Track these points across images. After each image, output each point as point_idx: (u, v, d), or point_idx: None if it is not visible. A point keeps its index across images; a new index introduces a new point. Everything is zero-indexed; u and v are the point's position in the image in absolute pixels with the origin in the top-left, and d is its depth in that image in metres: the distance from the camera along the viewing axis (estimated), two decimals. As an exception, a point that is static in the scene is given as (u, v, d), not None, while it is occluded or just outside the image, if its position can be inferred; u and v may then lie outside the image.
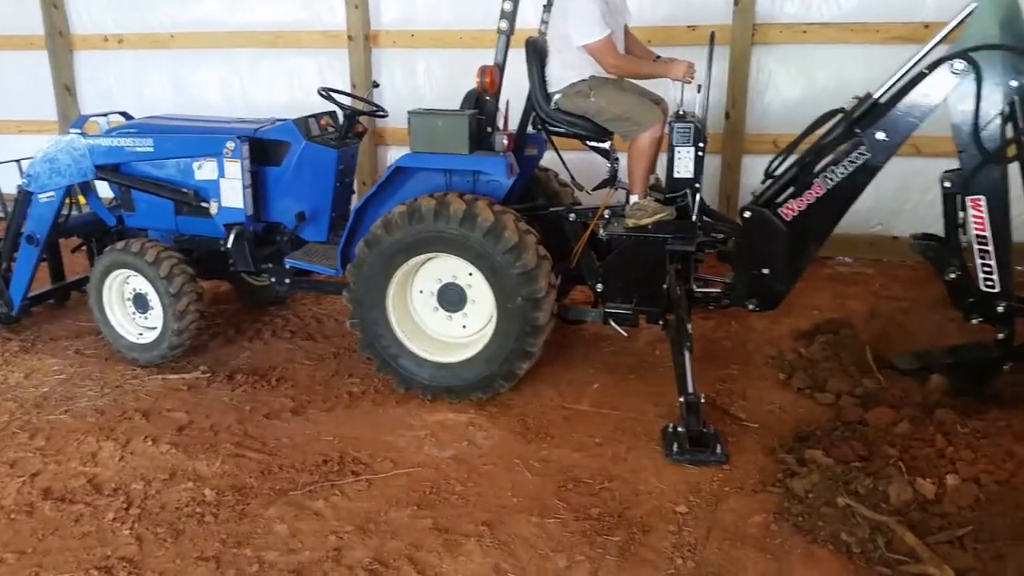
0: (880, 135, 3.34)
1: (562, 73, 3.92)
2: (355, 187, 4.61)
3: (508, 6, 3.75)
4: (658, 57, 4.02)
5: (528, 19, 4.13)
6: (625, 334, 4.04)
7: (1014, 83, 3.12)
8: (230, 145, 4.06)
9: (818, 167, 3.50)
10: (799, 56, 5.45)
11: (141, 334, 4.32)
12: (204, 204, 4.20)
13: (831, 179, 3.47)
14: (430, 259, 3.78)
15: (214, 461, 3.35)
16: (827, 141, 3.51)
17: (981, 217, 3.24)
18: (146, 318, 4.30)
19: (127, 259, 4.18)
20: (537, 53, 3.97)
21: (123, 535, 2.89)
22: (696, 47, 4.34)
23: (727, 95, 5.56)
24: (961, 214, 3.32)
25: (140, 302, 4.29)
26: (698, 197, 3.69)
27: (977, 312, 3.41)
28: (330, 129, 4.35)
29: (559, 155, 4.28)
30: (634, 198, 3.83)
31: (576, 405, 3.78)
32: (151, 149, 4.31)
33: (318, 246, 4.28)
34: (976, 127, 3.19)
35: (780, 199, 3.59)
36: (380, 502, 3.04)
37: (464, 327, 3.87)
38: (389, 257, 3.70)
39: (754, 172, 5.77)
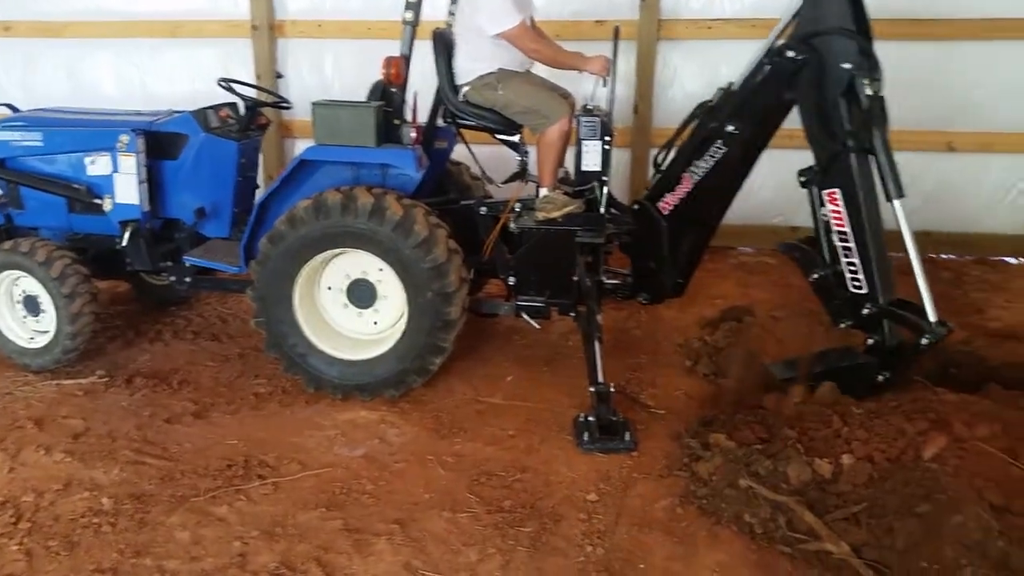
0: (730, 127, 3.39)
1: (470, 65, 3.90)
2: (261, 181, 4.49)
3: (413, -4, 3.72)
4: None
5: (437, 10, 4.09)
6: (538, 326, 4.07)
7: (846, 65, 3.04)
8: (124, 138, 3.88)
9: (682, 160, 3.59)
10: (703, 52, 5.57)
11: (32, 338, 4.09)
12: (97, 201, 4.00)
13: (696, 173, 3.54)
14: (338, 255, 3.70)
15: (112, 469, 3.21)
16: (691, 135, 3.58)
17: (838, 211, 3.08)
18: (38, 321, 4.08)
19: (16, 260, 3.96)
20: (444, 45, 3.94)
21: (11, 551, 2.74)
22: (604, 42, 4.35)
23: (635, 90, 5.65)
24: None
25: (31, 304, 4.06)
26: (605, 190, 3.73)
27: (845, 316, 3.21)
28: (231, 121, 4.21)
29: (469, 149, 4.27)
30: (544, 191, 3.85)
31: (490, 399, 3.78)
32: (40, 143, 4.09)
33: (220, 243, 4.15)
34: (820, 116, 3.13)
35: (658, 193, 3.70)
36: (287, 505, 2.96)
37: (375, 323, 3.82)
38: (294, 253, 3.61)
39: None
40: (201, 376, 4.01)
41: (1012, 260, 5.48)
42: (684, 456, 3.16)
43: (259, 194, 4.23)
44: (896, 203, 2.95)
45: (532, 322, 3.97)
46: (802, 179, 3.24)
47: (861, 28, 3.08)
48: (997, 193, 5.47)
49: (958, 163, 5.44)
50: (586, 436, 3.32)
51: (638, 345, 4.31)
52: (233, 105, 4.28)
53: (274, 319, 3.71)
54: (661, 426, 3.47)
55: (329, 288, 3.80)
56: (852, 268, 3.09)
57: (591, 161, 3.74)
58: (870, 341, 3.17)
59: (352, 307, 3.80)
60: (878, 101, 2.99)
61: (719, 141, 3.45)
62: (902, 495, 2.71)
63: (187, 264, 4.12)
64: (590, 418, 3.40)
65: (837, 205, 3.08)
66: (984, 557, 2.43)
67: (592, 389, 3.47)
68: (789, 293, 4.79)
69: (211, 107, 4.17)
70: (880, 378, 3.13)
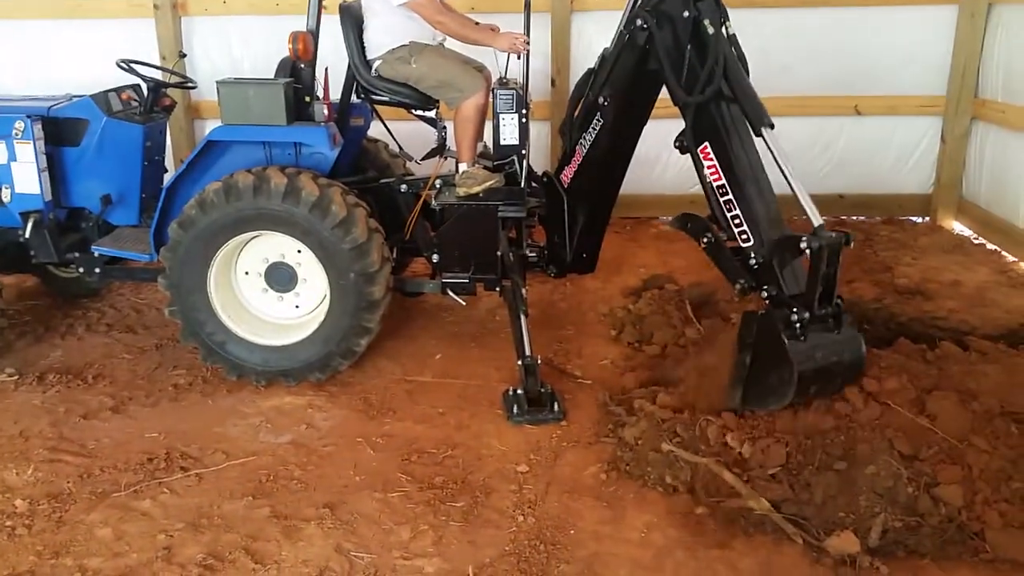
0: (602, 99, 3.43)
1: (381, 39, 3.82)
2: (172, 165, 4.33)
3: (318, -31, 3.62)
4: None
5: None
6: (464, 303, 4.06)
7: (687, 13, 3.01)
8: (19, 125, 3.68)
9: (576, 133, 3.61)
10: (617, 22, 5.57)
11: (-69, 339, 3.88)
12: (-6, 191, 3.80)
13: (584, 145, 3.57)
14: (254, 238, 3.61)
15: (25, 469, 3.07)
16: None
17: (712, 164, 2.96)
18: (-64, 321, 3.87)
19: (-91, 257, 3.74)
20: (353, 18, 3.86)
21: (-85, 563, 2.60)
22: (521, 14, 4.37)
23: (552, 62, 5.65)
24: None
25: (-74, 303, 3.85)
26: (525, 163, 3.73)
27: (739, 275, 2.98)
28: (134, 104, 4.04)
29: (385, 125, 4.21)
30: (463, 166, 3.82)
31: (419, 377, 3.77)
32: (-74, 133, 3.84)
33: (129, 230, 3.99)
34: (675, 74, 3.07)
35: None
36: (212, 496, 2.90)
37: (297, 307, 3.74)
38: (207, 238, 3.50)
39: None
40: (117, 369, 3.87)
41: (917, 219, 5.73)
42: (610, 423, 3.22)
43: (168, 178, 4.08)
44: (765, 133, 2.90)
45: (458, 299, 3.96)
46: (677, 144, 3.16)
47: None
48: (902, 155, 5.70)
49: (865, 127, 5.63)
50: (515, 409, 3.34)
51: (564, 317, 4.35)
52: (136, 87, 4.11)
53: (189, 307, 3.59)
54: (588, 395, 3.52)
55: (247, 273, 3.71)
56: (737, 220, 2.92)
57: (509, 135, 3.72)
58: (765, 295, 2.92)
59: (272, 291, 3.72)
60: (725, 40, 2.95)
61: (598, 113, 3.46)
62: (820, 450, 2.81)
63: (96, 254, 3.96)
64: (519, 391, 3.42)
65: (711, 159, 2.97)
66: (894, 503, 2.56)
67: (520, 363, 3.49)
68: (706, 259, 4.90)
69: (112, 90, 3.99)
70: (796, 318, 2.75)
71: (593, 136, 3.54)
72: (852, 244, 2.77)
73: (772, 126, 2.92)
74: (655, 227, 5.73)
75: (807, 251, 2.73)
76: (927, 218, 5.74)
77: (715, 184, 2.96)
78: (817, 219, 2.79)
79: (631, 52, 3.31)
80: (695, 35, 3.01)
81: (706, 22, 2.96)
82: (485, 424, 3.35)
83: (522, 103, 3.66)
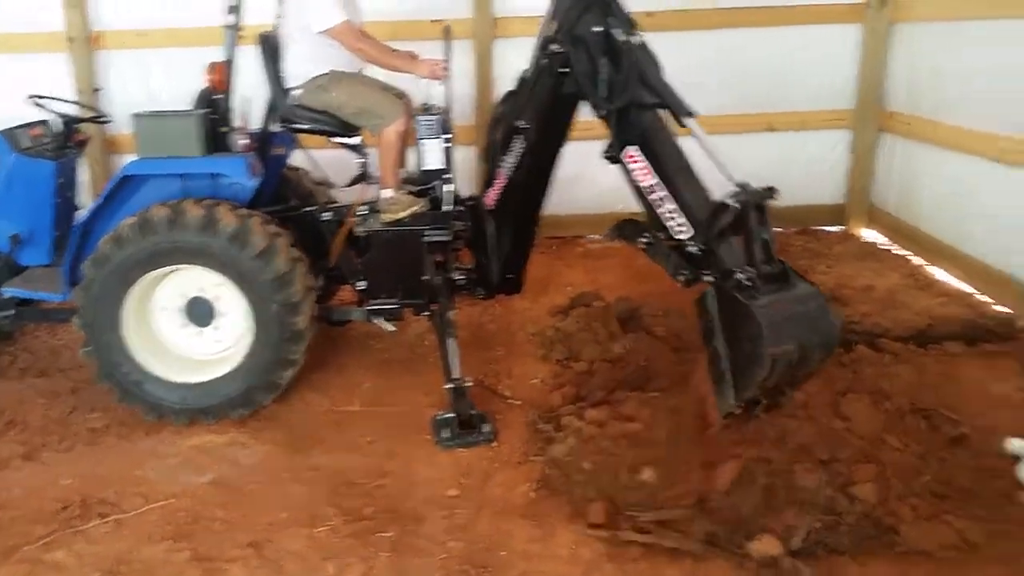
0: (522, 123, 3.43)
1: (301, 67, 3.81)
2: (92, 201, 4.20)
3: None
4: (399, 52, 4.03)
5: (264, 14, 3.96)
6: (392, 329, 4.03)
7: (597, 28, 3.02)
8: (-80, 164, 3.54)
9: (498, 156, 3.60)
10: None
11: None
12: None
13: (506, 167, 3.56)
14: (171, 272, 3.53)
15: (-71, 527, 2.92)
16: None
17: (642, 166, 2.95)
18: None
19: None
20: (271, 48, 3.83)
21: None
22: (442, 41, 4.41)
23: (476, 87, 5.71)
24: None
25: None
26: (449, 187, 3.75)
27: (682, 267, 2.92)
28: (45, 140, 3.93)
29: (307, 153, 4.18)
30: (387, 192, 3.81)
31: (347, 407, 3.72)
32: None
33: (41, 270, 3.87)
34: (595, 89, 3.05)
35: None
36: (131, 542, 2.79)
37: (218, 342, 3.66)
38: (121, 275, 3.41)
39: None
40: (30, 415, 3.70)
41: (830, 228, 5.94)
42: (540, 441, 3.23)
43: (82, 214, 3.97)
44: (690, 122, 2.93)
45: (386, 325, 3.94)
46: (607, 156, 3.11)
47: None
48: (815, 167, 5.89)
49: (779, 142, 5.83)
50: (445, 433, 3.33)
51: (494, 338, 4.36)
52: (45, 123, 3.99)
53: (104, 347, 3.48)
54: (518, 414, 3.52)
55: (164, 309, 3.61)
56: (671, 215, 2.90)
57: (432, 160, 3.74)
58: (709, 278, 2.81)
59: (191, 326, 3.63)
60: (637, 48, 2.99)
61: (518, 136, 3.48)
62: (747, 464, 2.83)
63: (6, 296, 3.81)
64: (449, 415, 3.41)
65: (638, 161, 2.95)
66: (814, 505, 2.62)
67: (449, 386, 3.48)
68: (634, 274, 4.99)
69: (21, 126, 3.87)
70: (744, 277, 2.64)
71: (515, 158, 3.56)
72: (776, 197, 2.74)
73: (692, 114, 2.95)
74: (582, 246, 5.80)
75: (735, 210, 2.70)
76: (841, 227, 5.95)
77: (646, 185, 2.96)
78: (735, 177, 2.78)
79: (548, 76, 3.33)
80: (608, 47, 3.03)
81: (616, 32, 3.00)
82: (415, 451, 3.32)
83: (445, 128, 3.69)
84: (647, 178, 2.94)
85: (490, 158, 3.82)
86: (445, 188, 3.73)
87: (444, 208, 3.74)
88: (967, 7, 4.70)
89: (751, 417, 2.78)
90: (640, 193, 3.01)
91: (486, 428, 3.33)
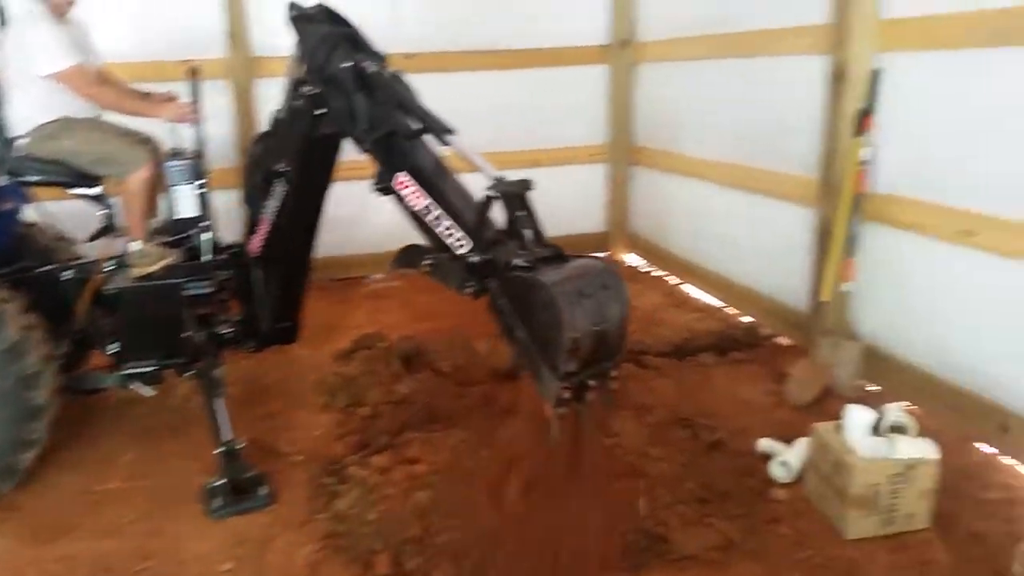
0: (280, 166, 3.29)
1: (28, 114, 3.46)
2: None
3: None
4: (148, 94, 3.77)
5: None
6: (152, 393, 3.69)
7: (346, 64, 2.90)
8: None
9: (259, 201, 3.44)
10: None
11: None
12: None
13: (269, 212, 3.41)
14: None
15: None
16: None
17: (414, 189, 2.90)
18: None
19: None
20: (-10, 95, 3.43)
21: None
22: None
23: (238, 129, 5.48)
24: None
25: None
26: (207, 236, 3.53)
27: (465, 280, 2.85)
28: None
29: (42, 207, 3.76)
30: (135, 245, 3.52)
31: (105, 485, 3.34)
32: None
33: None
34: (353, 125, 2.97)
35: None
36: None
37: (-64, 428, 3.16)
38: None
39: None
40: None
41: (597, 255, 6.29)
42: (324, 496, 3.09)
43: None
44: (451, 139, 2.86)
45: (145, 390, 3.61)
46: (378, 188, 3.00)
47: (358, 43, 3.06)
48: (578, 199, 6.26)
49: (545, 176, 6.07)
50: (217, 502, 3.08)
51: (271, 391, 4.14)
52: None
53: None
54: (301, 470, 3.35)
55: None
56: (449, 231, 2.86)
57: (186, 207, 3.52)
58: (493, 283, 2.79)
59: (-99, 414, 3.11)
60: (390, 78, 2.97)
61: (279, 179, 3.34)
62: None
63: None
64: (220, 481, 3.17)
65: (409, 186, 2.89)
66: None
67: (219, 450, 3.24)
68: (416, 313, 5.00)
69: None
70: (520, 261, 2.64)
71: (278, 202, 3.38)
72: (533, 188, 2.74)
73: (452, 131, 2.89)
74: (365, 286, 5.72)
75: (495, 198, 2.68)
76: (606, 254, 6.36)
77: (420, 207, 2.87)
78: (493, 172, 2.75)
79: (303, 119, 3.19)
80: (360, 81, 2.94)
81: (365, 64, 2.92)
82: (184, 526, 3.04)
83: (198, 173, 3.48)
84: (420, 200, 2.87)
85: (250, 202, 3.65)
86: (203, 236, 3.52)
87: (203, 258, 3.52)
88: (692, 49, 5.23)
89: (584, 406, 2.66)
90: (416, 217, 2.93)
91: (263, 491, 3.13)
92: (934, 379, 3.45)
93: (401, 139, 2.95)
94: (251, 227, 3.63)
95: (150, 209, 3.62)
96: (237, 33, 5.37)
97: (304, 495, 3.17)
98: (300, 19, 3.07)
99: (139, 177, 3.47)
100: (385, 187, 2.96)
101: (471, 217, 2.83)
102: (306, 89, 3.07)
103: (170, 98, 3.69)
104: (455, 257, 2.84)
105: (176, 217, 3.52)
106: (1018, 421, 3.06)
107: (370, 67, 2.92)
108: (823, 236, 3.91)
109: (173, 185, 3.48)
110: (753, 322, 4.73)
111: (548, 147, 6.06)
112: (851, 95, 3.67)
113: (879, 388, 3.77)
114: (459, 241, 2.82)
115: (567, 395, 2.58)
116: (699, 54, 5.14)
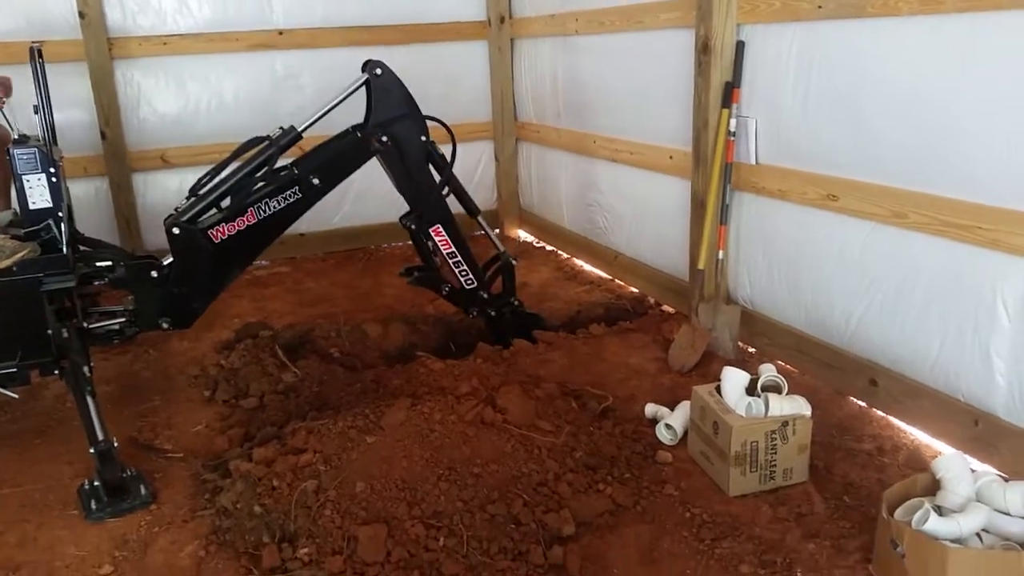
0: (316, 180, 3.52)
1: None
2: None
3: None
4: None
5: None
6: (16, 396, 3.44)
7: (424, 139, 3.74)
8: None
9: (252, 196, 3.46)
10: (166, 68, 5.35)
11: None
12: None
13: (264, 210, 3.50)
14: None
15: None
16: (255, 169, 3.49)
17: (445, 239, 3.91)
18: None
19: None
20: None
21: None
22: (47, 64, 3.92)
23: (99, 113, 5.16)
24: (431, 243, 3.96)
25: None
26: (63, 227, 3.31)
27: (472, 306, 4.13)
28: None
29: None
30: (-14, 239, 3.26)
31: (-32, 497, 3.11)
32: None
33: None
34: (408, 178, 3.76)
35: (207, 219, 3.47)
36: None
37: None
38: None
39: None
40: None
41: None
42: (206, 492, 2.98)
43: None
44: (479, 218, 4.17)
45: (8, 393, 3.36)
46: (405, 223, 3.89)
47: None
48: (468, 176, 6.12)
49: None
50: (93, 504, 2.92)
51: (149, 387, 3.94)
52: None
53: None
54: (182, 468, 3.21)
55: None
56: (465, 273, 4.02)
57: (39, 197, 3.28)
58: (492, 312, 4.21)
59: None
60: (440, 155, 3.85)
61: (297, 188, 3.48)
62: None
63: None
64: (95, 483, 3.01)
65: (442, 235, 3.90)
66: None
67: (92, 450, 3.06)
68: (301, 299, 4.87)
69: None
70: (511, 309, 4.26)
71: (280, 205, 3.48)
72: (517, 260, 4.33)
73: (479, 212, 4.20)
74: (249, 273, 5.50)
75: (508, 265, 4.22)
76: (497, 230, 6.36)
77: (449, 251, 3.93)
78: (502, 247, 4.22)
79: (358, 152, 3.61)
80: (428, 153, 3.78)
81: (433, 144, 3.80)
82: (58, 531, 2.87)
83: (48, 161, 3.24)
84: (449, 247, 3.93)
85: (205, 188, 3.47)
86: (60, 227, 3.29)
87: (63, 250, 3.30)
88: (567, 24, 5.24)
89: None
90: (444, 256, 3.96)
91: (142, 490, 2.99)
92: (807, 338, 3.63)
93: (440, 199, 3.89)
94: (199, 212, 3.44)
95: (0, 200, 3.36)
96: (91, 13, 5.04)
97: (186, 492, 3.04)
98: (374, 73, 3.66)
99: (-22, 167, 3.22)
100: (413, 227, 3.88)
101: (475, 265, 4.05)
102: (384, 139, 3.62)
103: None
104: (466, 289, 4.07)
105: (29, 208, 3.27)
106: (886, 375, 3.24)
107: (436, 148, 3.82)
108: (698, 206, 4.03)
109: (22, 174, 3.23)
110: (640, 292, 4.86)
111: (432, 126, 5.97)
112: (717, 67, 3.78)
113: (757, 350, 3.95)
114: (469, 280, 4.05)
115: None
116: (575, 29, 5.17)
